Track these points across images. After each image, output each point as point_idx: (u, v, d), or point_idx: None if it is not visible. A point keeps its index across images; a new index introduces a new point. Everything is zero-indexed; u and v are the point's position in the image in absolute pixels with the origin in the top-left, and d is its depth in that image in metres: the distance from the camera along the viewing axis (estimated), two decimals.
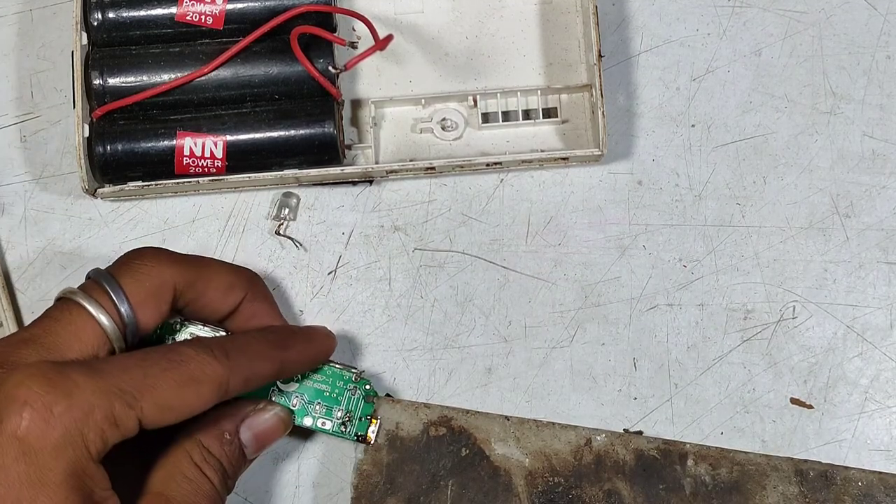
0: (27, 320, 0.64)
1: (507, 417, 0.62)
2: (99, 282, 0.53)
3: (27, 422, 0.45)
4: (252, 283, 0.59)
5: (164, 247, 0.59)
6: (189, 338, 0.58)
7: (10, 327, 0.63)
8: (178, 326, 0.59)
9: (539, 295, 0.64)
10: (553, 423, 0.61)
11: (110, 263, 0.55)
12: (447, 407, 0.62)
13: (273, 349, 0.55)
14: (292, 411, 0.59)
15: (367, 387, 0.60)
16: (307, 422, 0.60)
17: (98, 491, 0.47)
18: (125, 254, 0.56)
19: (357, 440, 0.60)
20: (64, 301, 0.52)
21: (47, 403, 0.45)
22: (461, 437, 0.61)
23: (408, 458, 0.61)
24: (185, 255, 0.57)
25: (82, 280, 0.64)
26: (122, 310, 0.52)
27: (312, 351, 0.59)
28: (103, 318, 0.52)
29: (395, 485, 0.60)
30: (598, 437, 0.61)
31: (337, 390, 0.60)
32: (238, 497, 0.62)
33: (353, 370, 0.60)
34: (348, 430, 0.60)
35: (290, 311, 0.64)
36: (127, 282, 0.53)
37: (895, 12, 0.67)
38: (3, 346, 0.50)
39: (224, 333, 0.59)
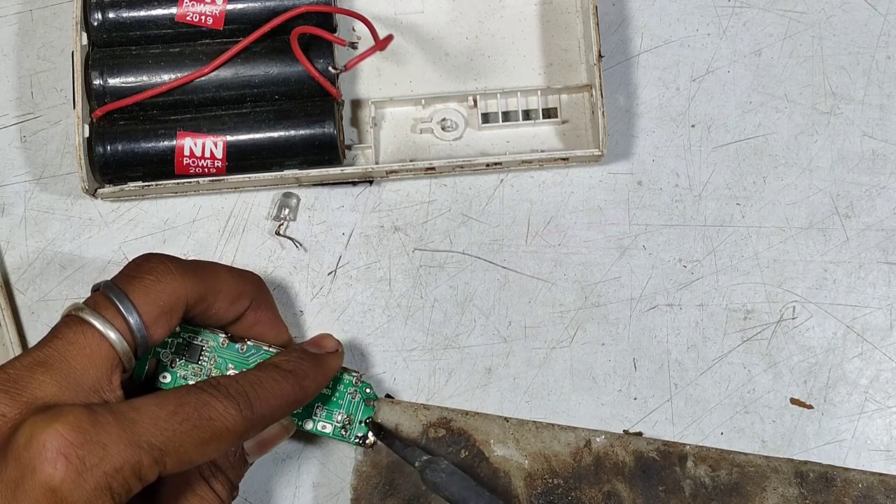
0: (26, 320, 0.64)
1: (506, 419, 0.62)
2: (110, 298, 0.52)
3: (62, 473, 0.45)
4: (258, 291, 0.59)
5: (166, 252, 0.58)
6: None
7: (9, 328, 0.63)
8: (177, 329, 0.59)
9: (539, 295, 0.64)
10: (552, 425, 0.61)
11: (118, 272, 0.54)
12: (446, 408, 0.62)
13: (293, 392, 0.54)
14: (294, 415, 0.59)
15: (368, 390, 0.60)
16: (308, 425, 0.60)
17: None
18: (133, 262, 0.55)
19: (357, 444, 0.60)
20: (75, 319, 0.52)
21: (81, 456, 0.45)
22: (460, 438, 0.61)
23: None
24: (192, 264, 0.56)
25: (82, 281, 0.64)
26: (135, 330, 0.52)
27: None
28: (116, 341, 0.51)
29: (394, 486, 0.60)
30: (598, 439, 0.61)
31: (338, 394, 0.60)
32: (238, 497, 0.62)
33: (354, 373, 0.60)
34: (348, 433, 0.60)
35: (290, 311, 0.64)
36: (139, 300, 0.53)
37: (895, 12, 0.67)
38: (19, 370, 0.50)
39: (224, 336, 0.59)
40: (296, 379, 0.55)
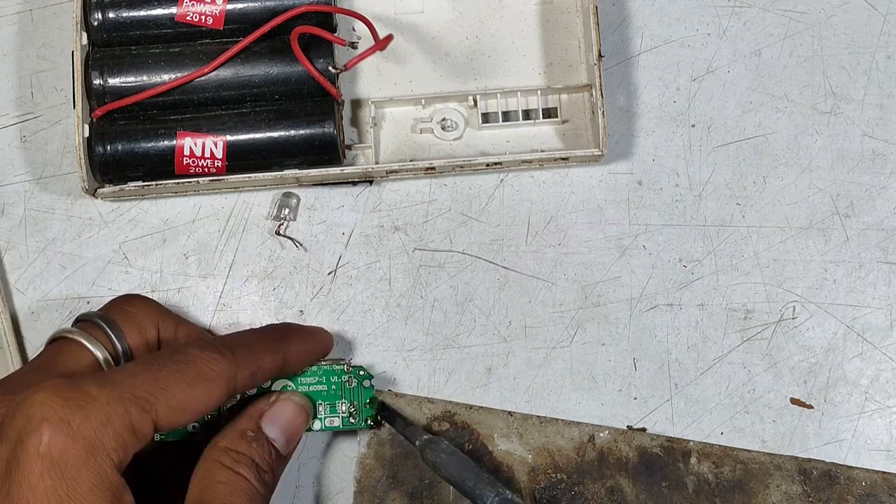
0: (26, 321, 0.64)
1: (510, 413, 0.62)
2: (94, 321, 0.56)
3: (48, 437, 0.45)
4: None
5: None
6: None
7: (7, 330, 0.63)
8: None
9: (539, 295, 0.64)
10: (556, 420, 0.61)
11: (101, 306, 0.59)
12: (450, 402, 0.62)
13: (274, 342, 0.56)
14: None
15: (361, 372, 0.60)
16: (316, 425, 0.59)
17: (127, 499, 0.47)
18: (114, 299, 0.59)
19: (369, 426, 0.60)
20: (61, 339, 0.55)
21: (64, 417, 0.45)
22: (464, 432, 0.61)
23: (410, 452, 0.61)
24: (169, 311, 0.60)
25: (82, 281, 0.65)
26: (117, 342, 0.55)
27: (312, 344, 0.59)
28: (98, 352, 0.54)
29: (398, 479, 0.60)
30: (602, 434, 0.61)
31: (334, 386, 0.60)
32: None
33: (341, 362, 0.60)
34: (357, 420, 0.59)
35: (291, 311, 0.64)
36: (121, 320, 0.56)
37: (895, 12, 0.67)
38: (12, 377, 0.52)
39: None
40: (277, 334, 0.57)
